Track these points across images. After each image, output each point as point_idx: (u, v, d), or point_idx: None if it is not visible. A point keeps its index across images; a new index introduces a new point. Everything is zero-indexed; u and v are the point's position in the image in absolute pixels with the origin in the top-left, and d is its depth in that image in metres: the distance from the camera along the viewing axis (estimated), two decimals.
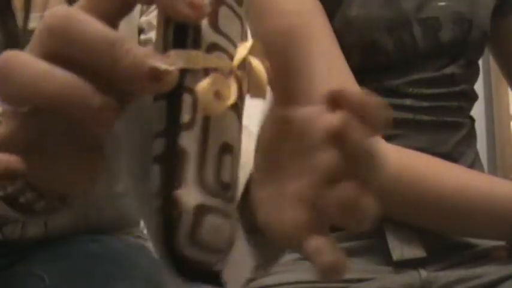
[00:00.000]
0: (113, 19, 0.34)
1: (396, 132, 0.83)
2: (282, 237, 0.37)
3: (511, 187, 0.78)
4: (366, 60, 0.82)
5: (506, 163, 2.33)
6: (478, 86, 0.92)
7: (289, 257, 0.83)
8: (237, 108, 0.37)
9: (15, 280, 0.74)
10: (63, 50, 0.32)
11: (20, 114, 0.33)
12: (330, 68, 0.76)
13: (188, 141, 0.34)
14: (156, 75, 0.31)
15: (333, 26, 0.81)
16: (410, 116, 0.83)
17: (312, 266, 0.33)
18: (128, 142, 0.45)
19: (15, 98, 0.32)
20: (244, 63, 0.37)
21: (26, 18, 0.77)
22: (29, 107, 0.33)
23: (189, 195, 0.34)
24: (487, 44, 0.93)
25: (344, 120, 0.33)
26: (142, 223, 0.95)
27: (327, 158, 0.34)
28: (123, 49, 0.31)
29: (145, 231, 0.94)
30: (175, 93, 0.34)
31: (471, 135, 0.91)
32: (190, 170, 0.34)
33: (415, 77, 0.83)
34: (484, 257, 0.82)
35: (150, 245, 0.93)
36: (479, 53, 0.91)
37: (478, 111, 0.94)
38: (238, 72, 0.36)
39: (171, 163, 0.34)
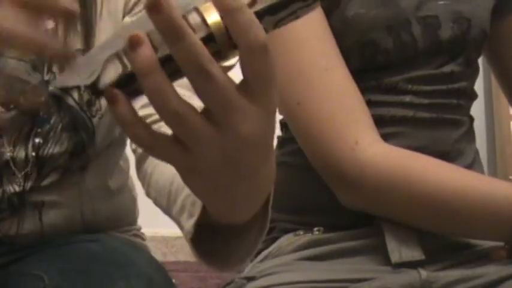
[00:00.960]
0: None
1: (396, 130, 0.83)
2: None
3: (510, 188, 0.78)
4: (365, 59, 0.82)
5: (506, 163, 2.32)
6: (478, 86, 0.92)
7: (289, 257, 0.83)
8: None
9: (13, 280, 0.74)
10: None
11: None
12: None
13: None
14: None
15: (331, 25, 0.81)
16: (410, 113, 0.83)
17: None
18: None
19: None
20: None
21: None
22: None
23: None
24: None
25: None
26: (139, 221, 0.95)
27: None
28: None
29: (143, 230, 0.94)
30: None
31: (470, 133, 0.91)
32: None
33: (415, 74, 0.83)
34: (484, 257, 0.82)
35: (148, 243, 0.93)
36: (479, 52, 0.91)
37: (477, 110, 0.94)
38: None
39: None
